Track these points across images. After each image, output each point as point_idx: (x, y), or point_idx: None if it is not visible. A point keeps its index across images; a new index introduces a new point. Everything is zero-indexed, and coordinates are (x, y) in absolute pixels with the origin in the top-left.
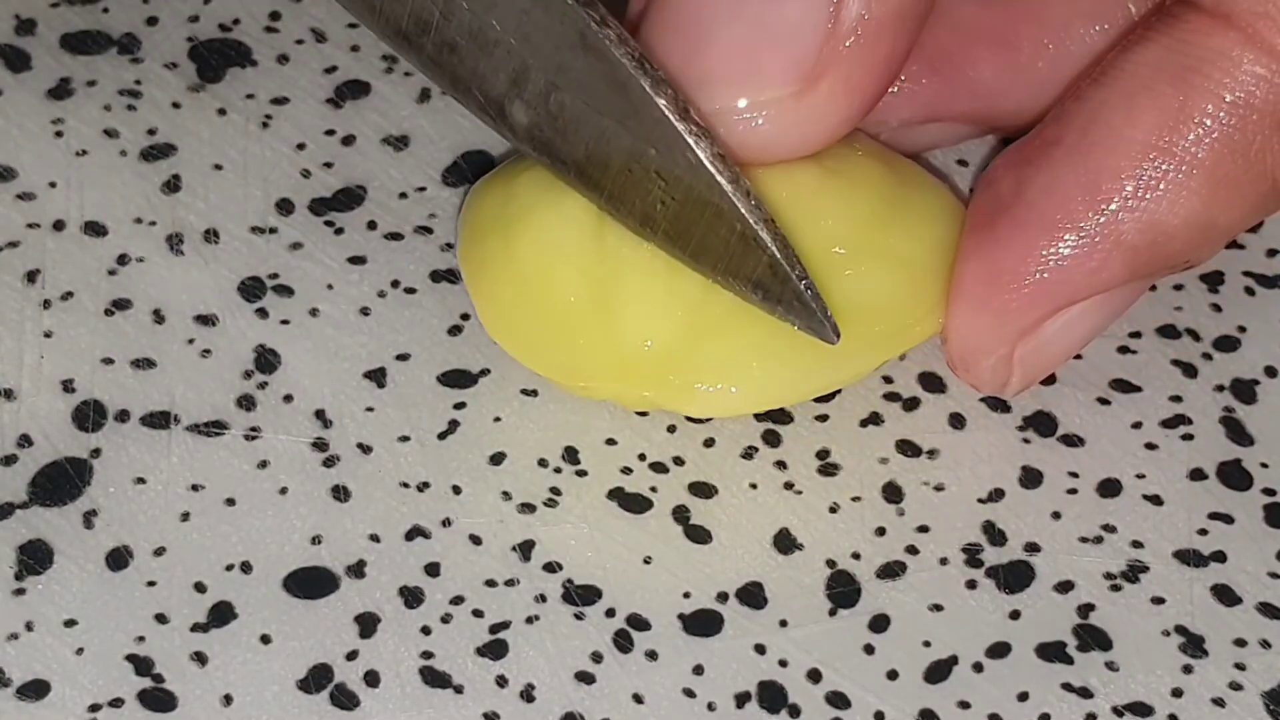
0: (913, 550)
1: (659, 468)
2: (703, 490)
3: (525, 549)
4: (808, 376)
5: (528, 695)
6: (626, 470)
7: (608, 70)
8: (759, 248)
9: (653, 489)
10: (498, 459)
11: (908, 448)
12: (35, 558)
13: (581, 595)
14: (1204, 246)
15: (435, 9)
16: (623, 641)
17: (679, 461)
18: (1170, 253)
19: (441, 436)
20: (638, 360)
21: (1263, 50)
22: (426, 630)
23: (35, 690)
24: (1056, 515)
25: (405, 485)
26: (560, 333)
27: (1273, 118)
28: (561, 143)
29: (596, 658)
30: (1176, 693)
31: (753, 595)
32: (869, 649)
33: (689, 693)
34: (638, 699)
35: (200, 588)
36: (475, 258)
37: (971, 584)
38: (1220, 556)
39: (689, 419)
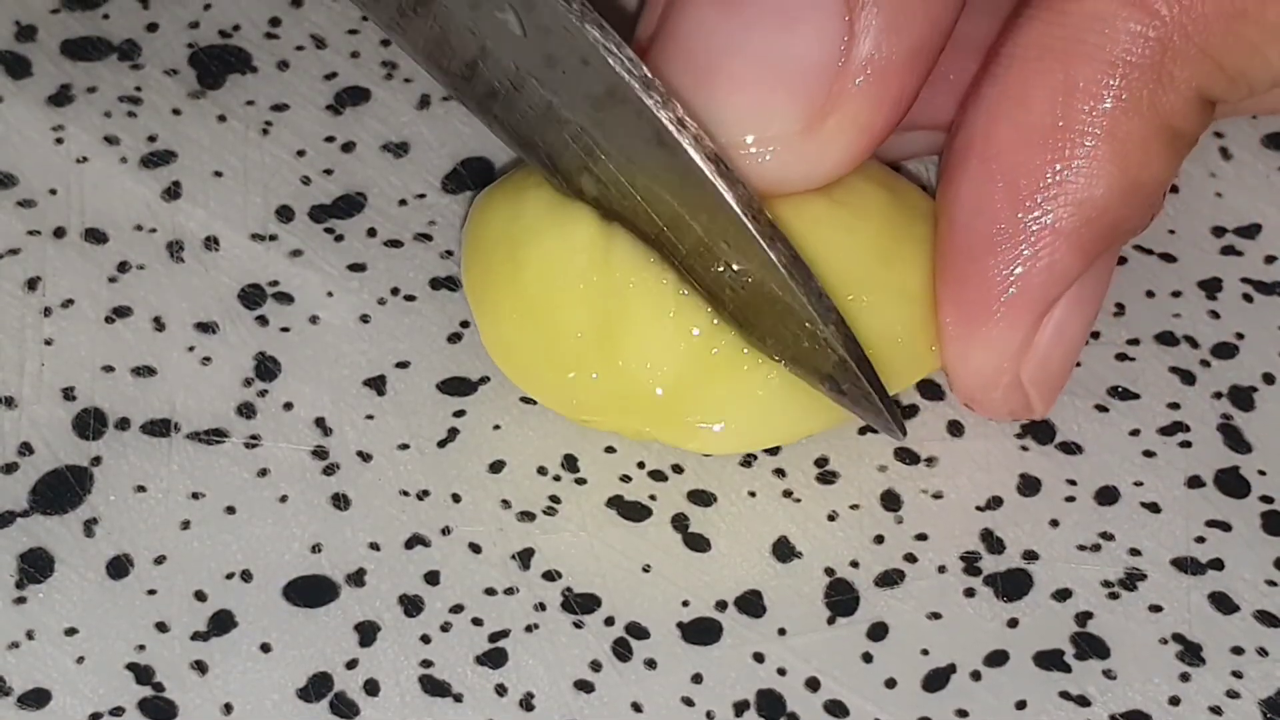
0: (911, 558)
1: (658, 476)
2: (701, 498)
3: (524, 557)
4: (813, 416)
5: (527, 704)
6: (625, 478)
7: (681, 165)
8: (828, 348)
9: (652, 497)
10: (497, 467)
11: (906, 455)
12: (36, 566)
13: (580, 604)
14: (1140, 208)
15: (505, 81)
16: (622, 650)
17: (678, 469)
18: (1110, 223)
19: (441, 444)
20: (640, 399)
21: (1136, 7)
22: (426, 639)
23: (36, 699)
24: (1054, 523)
25: (405, 493)
26: (563, 366)
27: (1153, 70)
28: (633, 217)
29: (595, 666)
30: (1174, 701)
31: (751, 603)
32: (867, 657)
33: (688, 701)
34: (637, 708)
35: (200, 596)
36: (479, 277)
37: (970, 592)
38: (1218, 564)
39: None
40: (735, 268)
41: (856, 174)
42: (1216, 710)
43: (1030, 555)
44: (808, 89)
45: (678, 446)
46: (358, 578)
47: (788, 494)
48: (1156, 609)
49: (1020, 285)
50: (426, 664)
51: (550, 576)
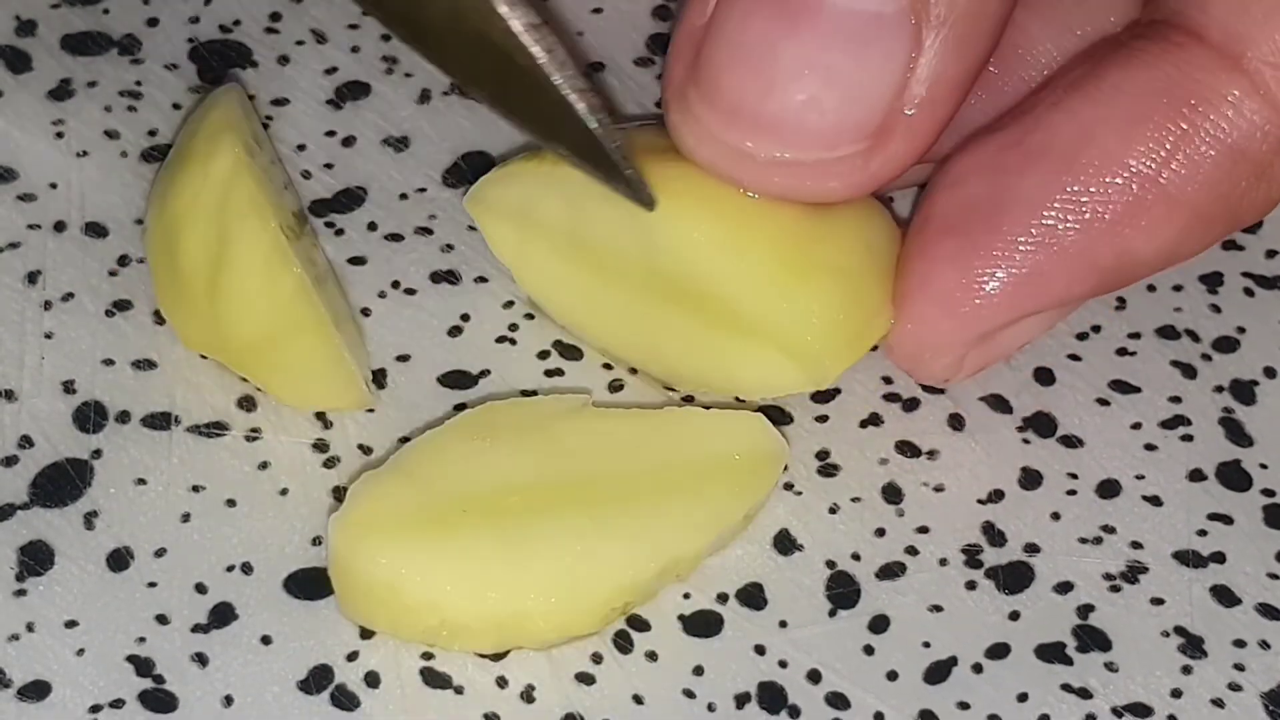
0: (912, 551)
1: None
2: None
3: None
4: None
5: (528, 696)
6: None
7: None
8: (576, 117)
9: None
10: None
11: (907, 448)
12: (36, 559)
13: None
14: (1159, 272)
15: None
16: (623, 642)
17: None
18: (1134, 277)
19: None
20: (232, 342)
21: (1265, 101)
22: None
23: (36, 691)
24: (1056, 516)
25: None
26: (180, 296)
27: (1258, 166)
28: None
29: (596, 658)
30: (1176, 693)
31: (753, 596)
32: (869, 650)
33: (689, 693)
34: (638, 700)
35: (201, 589)
36: (151, 205)
37: (971, 585)
38: (1219, 557)
39: None
40: (483, 46)
41: None
42: (1218, 703)
43: (1032, 548)
44: (876, 111)
45: (258, 386)
46: None
47: (789, 486)
48: (1158, 602)
49: (1032, 286)
50: (427, 656)
51: None
